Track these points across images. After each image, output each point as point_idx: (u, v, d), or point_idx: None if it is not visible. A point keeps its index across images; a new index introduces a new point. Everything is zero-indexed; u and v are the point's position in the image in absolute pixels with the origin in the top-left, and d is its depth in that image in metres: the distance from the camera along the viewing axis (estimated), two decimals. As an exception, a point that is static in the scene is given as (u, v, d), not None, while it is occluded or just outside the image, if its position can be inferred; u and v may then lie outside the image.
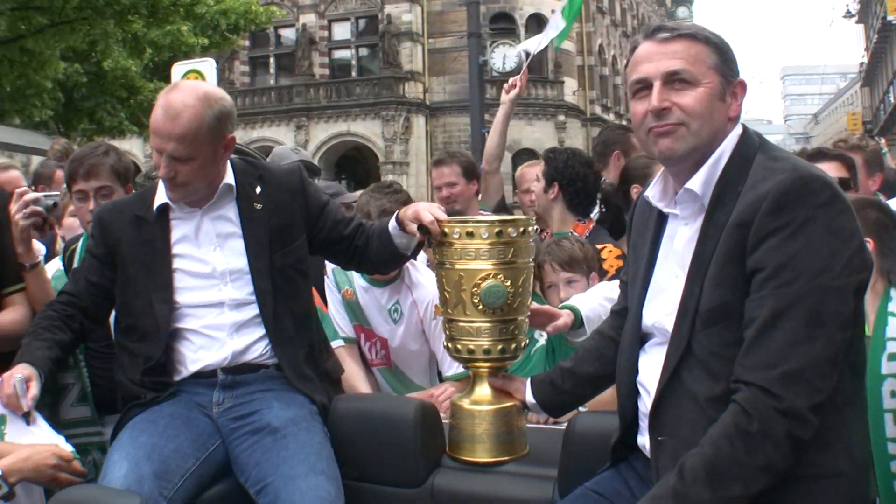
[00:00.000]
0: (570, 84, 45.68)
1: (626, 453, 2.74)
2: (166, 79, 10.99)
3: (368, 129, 43.63)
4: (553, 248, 4.33)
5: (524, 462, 3.18)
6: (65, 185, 4.22)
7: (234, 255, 3.46)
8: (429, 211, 3.24)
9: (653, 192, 2.74)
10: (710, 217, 2.48)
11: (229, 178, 3.48)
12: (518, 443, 3.20)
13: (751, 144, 2.55)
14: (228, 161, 3.52)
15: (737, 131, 2.58)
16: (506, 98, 6.60)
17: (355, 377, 4.25)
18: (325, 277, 4.52)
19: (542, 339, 4.25)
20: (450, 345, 3.24)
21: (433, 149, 41.61)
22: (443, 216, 3.20)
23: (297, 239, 3.57)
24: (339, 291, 4.50)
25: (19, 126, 23.44)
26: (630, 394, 2.69)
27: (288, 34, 46.64)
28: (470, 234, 3.09)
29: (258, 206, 3.48)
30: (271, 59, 47.50)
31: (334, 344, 4.13)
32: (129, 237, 3.49)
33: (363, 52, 46.15)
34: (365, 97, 43.76)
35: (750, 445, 2.24)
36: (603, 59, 52.06)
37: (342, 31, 46.18)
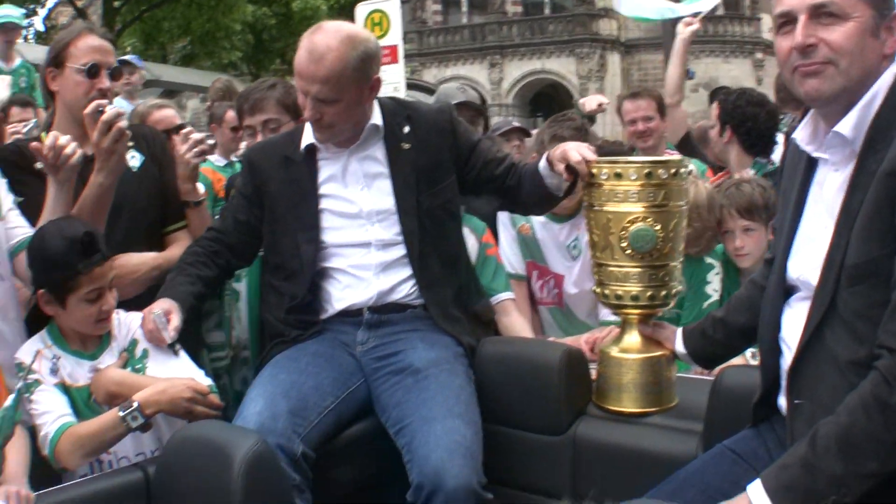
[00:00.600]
0: (768, 21, 43.85)
1: (767, 413, 2.54)
2: (352, 19, 11.01)
3: (563, 67, 43.23)
4: (732, 192, 4.07)
5: (670, 415, 3.06)
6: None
7: (382, 195, 3.41)
8: (577, 150, 3.11)
9: (801, 135, 2.47)
10: (862, 163, 2.23)
11: (377, 118, 3.42)
12: (666, 394, 3.09)
13: None
14: (376, 101, 3.45)
15: (892, 70, 2.30)
16: (684, 32, 6.34)
17: (520, 329, 4.08)
18: (499, 213, 4.41)
19: (714, 293, 4.05)
20: (598, 290, 3.14)
21: (628, 87, 40.80)
22: (591, 156, 3.07)
23: (446, 179, 3.49)
24: (515, 227, 4.37)
25: (209, 68, 24.21)
26: (772, 351, 2.48)
27: (481, -29, 46.43)
28: (618, 175, 2.96)
29: (406, 146, 3.41)
30: (464, -3, 47.45)
31: (501, 297, 4.03)
32: (277, 176, 3.49)
33: (557, -12, 45.53)
34: (559, 34, 43.33)
35: (889, 419, 2.02)
36: None
37: (536, -33, 45.69)
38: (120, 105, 8.45)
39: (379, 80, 3.33)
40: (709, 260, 4.10)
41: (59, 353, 3.04)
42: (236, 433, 2.74)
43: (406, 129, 3.44)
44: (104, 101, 3.28)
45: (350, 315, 3.40)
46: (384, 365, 3.32)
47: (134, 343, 3.18)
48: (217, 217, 3.84)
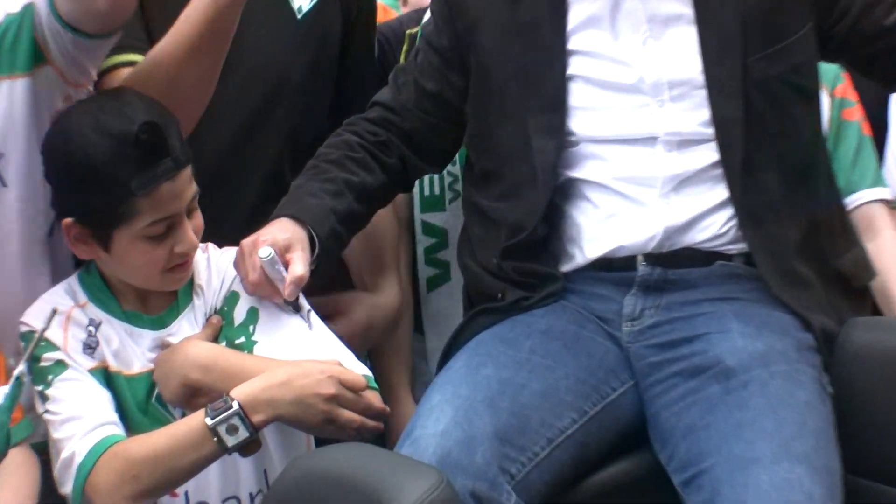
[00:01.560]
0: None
1: None
2: None
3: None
4: None
5: None
6: None
7: (680, 55, 2.15)
8: None
9: None
10: None
11: None
12: None
13: None
14: None
15: None
16: None
17: None
18: None
19: None
20: None
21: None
22: None
23: (796, 31, 2.18)
24: None
25: None
26: None
27: None
28: None
29: None
30: None
31: (862, 196, 2.74)
32: (497, 18, 2.24)
33: None
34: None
35: None
36: None
37: None
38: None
39: None
40: None
41: (99, 315, 1.98)
42: (400, 469, 1.74)
43: None
44: None
45: (613, 268, 2.14)
46: (669, 359, 2.06)
47: (233, 298, 2.05)
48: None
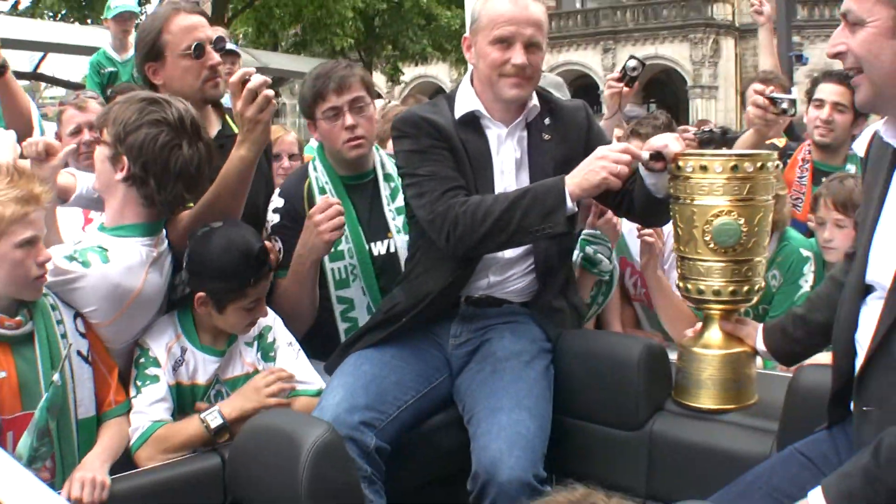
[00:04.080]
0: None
1: (843, 414, 2.46)
2: (461, 4, 11.06)
3: (676, 52, 42.63)
4: (835, 184, 4.05)
5: (749, 412, 3.00)
6: None
7: (521, 184, 3.32)
8: (662, 139, 3.04)
9: (886, 127, 2.37)
10: None
11: (534, 99, 3.39)
12: (745, 391, 3.03)
13: None
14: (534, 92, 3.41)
15: None
16: (758, 19, 6.42)
17: None
18: None
19: (806, 284, 3.99)
20: (680, 284, 3.09)
21: (742, 72, 40.06)
22: (678, 146, 2.99)
23: None
24: None
25: (320, 55, 24.44)
26: (846, 351, 2.39)
27: (595, -44, 46.04)
28: (703, 168, 2.90)
29: (546, 137, 3.36)
30: (578, -18, 47.09)
31: None
32: (457, 136, 3.31)
33: (672, -28, 44.83)
34: (672, 19, 42.71)
35: None
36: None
37: (650, -48, 45.11)
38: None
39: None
40: (805, 253, 4.04)
41: (187, 345, 3.08)
42: (306, 422, 2.76)
43: (547, 121, 3.39)
44: (251, 70, 3.18)
45: (446, 305, 3.34)
46: (471, 358, 3.33)
47: (267, 329, 3.25)
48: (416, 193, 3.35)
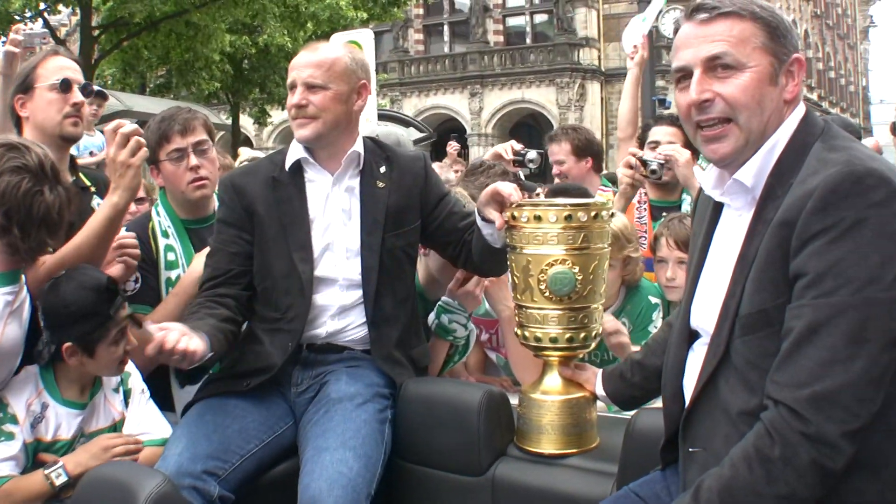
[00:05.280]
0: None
1: (675, 456, 2.51)
2: (326, 49, 11.14)
3: (542, 97, 43.42)
4: (675, 223, 4.15)
5: (590, 456, 3.06)
6: None
7: (353, 231, 3.44)
8: (501, 188, 3.11)
9: (708, 178, 2.46)
10: (760, 212, 2.21)
11: (359, 146, 3.51)
12: (586, 435, 3.09)
13: (810, 132, 2.24)
14: (360, 136, 3.54)
15: (797, 115, 2.28)
16: (631, 64, 6.49)
17: None
18: None
19: (655, 330, 4.03)
20: (519, 331, 3.14)
21: (608, 116, 41.05)
22: (516, 196, 3.06)
23: (412, 223, 3.52)
24: None
25: (188, 98, 24.26)
26: (675, 396, 2.48)
27: (462, 1, 46.73)
28: (538, 218, 2.97)
29: (380, 185, 3.47)
30: (445, 27, 47.71)
31: None
32: (265, 198, 3.45)
33: (538, 18, 45.82)
34: (539, 64, 43.55)
35: (770, 473, 2.01)
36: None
37: (517, -3, 46.04)
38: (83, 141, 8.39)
39: (366, 86, 3.48)
40: (654, 300, 4.13)
41: (49, 401, 3.05)
42: (143, 474, 2.76)
43: (383, 169, 3.50)
44: (125, 121, 3.26)
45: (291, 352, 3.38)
46: (312, 402, 3.35)
47: (127, 375, 3.27)
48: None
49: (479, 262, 3.41)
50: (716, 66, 2.25)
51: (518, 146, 5.82)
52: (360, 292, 3.40)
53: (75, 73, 3.68)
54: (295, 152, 3.45)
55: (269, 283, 3.42)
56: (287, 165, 3.45)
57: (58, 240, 3.12)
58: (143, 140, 3.23)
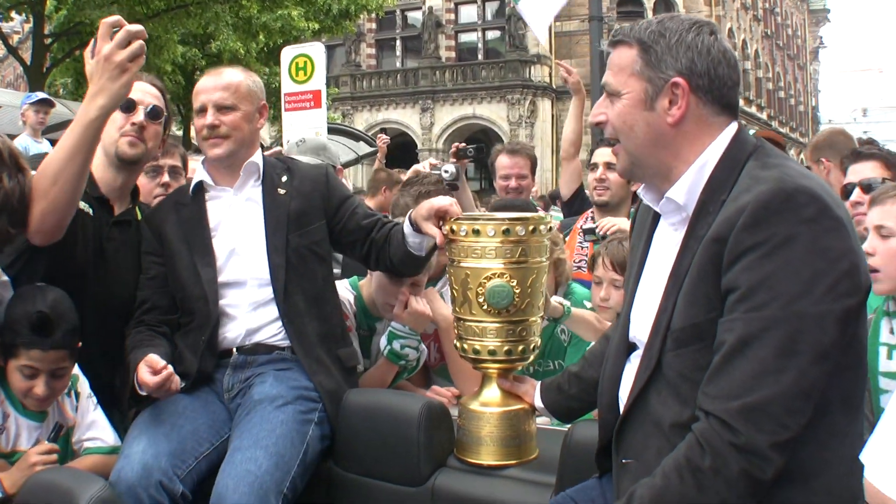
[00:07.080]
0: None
1: (609, 466, 2.56)
2: (279, 62, 11.15)
3: (494, 113, 43.60)
4: (613, 244, 4.19)
5: (529, 467, 3.09)
6: None
7: (257, 234, 3.62)
8: (439, 203, 3.20)
9: (644, 192, 2.52)
10: (693, 228, 2.27)
11: (257, 158, 3.73)
12: (525, 447, 3.11)
13: (742, 149, 2.31)
14: (259, 152, 3.76)
15: (728, 133, 2.35)
16: (569, 86, 6.68)
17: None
18: None
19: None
20: (458, 344, 3.16)
21: (558, 133, 41.24)
22: (455, 210, 3.13)
23: (315, 223, 3.71)
24: None
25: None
26: (611, 407, 2.52)
27: (415, 16, 46.91)
28: (476, 232, 2.99)
29: (281, 192, 3.68)
30: (398, 42, 47.89)
31: None
32: (171, 220, 3.70)
33: (490, 34, 46.07)
34: (491, 80, 43.77)
35: (701, 482, 2.06)
36: (733, 43, 50.76)
37: (469, 13, 46.32)
38: (26, 144, 8.31)
39: (266, 106, 3.74)
40: (589, 305, 4.22)
41: (10, 412, 3.09)
42: (83, 480, 2.83)
43: (284, 178, 3.72)
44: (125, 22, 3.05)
45: (220, 356, 3.54)
46: (241, 407, 3.47)
47: (75, 379, 3.30)
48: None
49: (400, 265, 3.61)
50: (605, 92, 2.42)
51: (435, 161, 6.02)
52: (270, 289, 3.56)
53: (145, 95, 3.68)
54: (198, 175, 3.71)
55: (180, 293, 3.63)
56: (190, 189, 3.69)
57: (21, 228, 3.05)
58: (144, 45, 3.03)
